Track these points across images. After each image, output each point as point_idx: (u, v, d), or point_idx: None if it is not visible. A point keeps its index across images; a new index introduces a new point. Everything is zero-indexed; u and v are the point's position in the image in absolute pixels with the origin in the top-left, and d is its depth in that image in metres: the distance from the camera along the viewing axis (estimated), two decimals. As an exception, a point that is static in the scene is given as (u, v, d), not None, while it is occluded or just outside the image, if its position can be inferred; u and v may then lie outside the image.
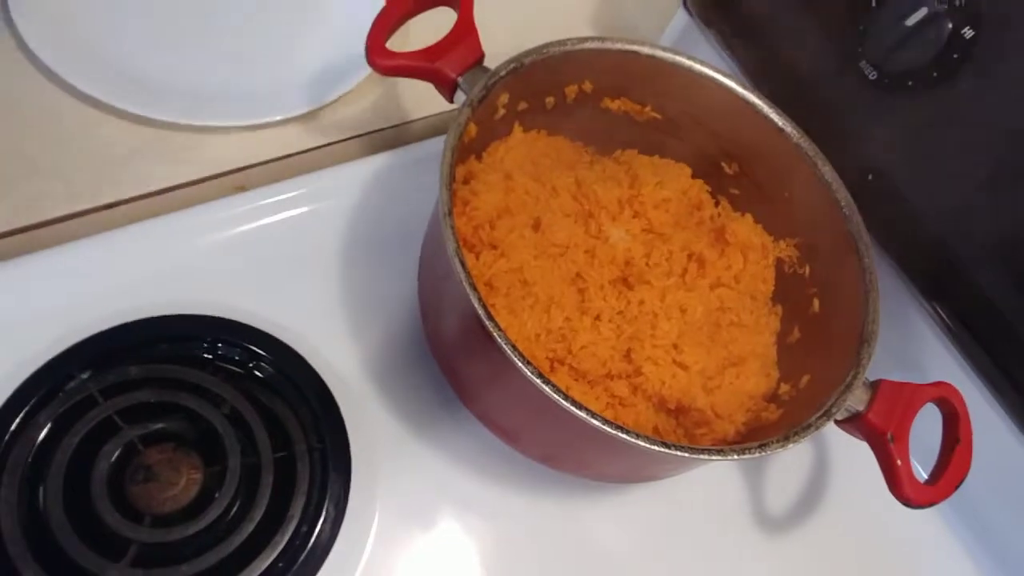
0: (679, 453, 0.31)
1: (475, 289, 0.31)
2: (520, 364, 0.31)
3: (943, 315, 0.43)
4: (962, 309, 0.42)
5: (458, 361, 0.39)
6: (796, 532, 0.45)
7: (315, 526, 0.37)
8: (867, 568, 0.45)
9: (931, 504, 0.35)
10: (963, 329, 0.42)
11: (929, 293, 0.44)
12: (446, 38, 0.39)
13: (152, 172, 0.44)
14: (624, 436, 0.30)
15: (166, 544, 0.35)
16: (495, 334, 0.31)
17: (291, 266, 0.44)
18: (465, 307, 0.32)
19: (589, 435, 0.31)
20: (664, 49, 0.42)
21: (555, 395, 0.30)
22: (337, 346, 0.42)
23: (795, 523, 0.45)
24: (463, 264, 0.32)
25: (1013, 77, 0.36)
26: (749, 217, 0.45)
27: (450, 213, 0.33)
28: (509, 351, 0.31)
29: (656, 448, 0.31)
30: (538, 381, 0.30)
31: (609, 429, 0.30)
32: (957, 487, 0.35)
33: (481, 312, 0.31)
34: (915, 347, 0.45)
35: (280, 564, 0.36)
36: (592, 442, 0.34)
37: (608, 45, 0.41)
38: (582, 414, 0.30)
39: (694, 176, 0.46)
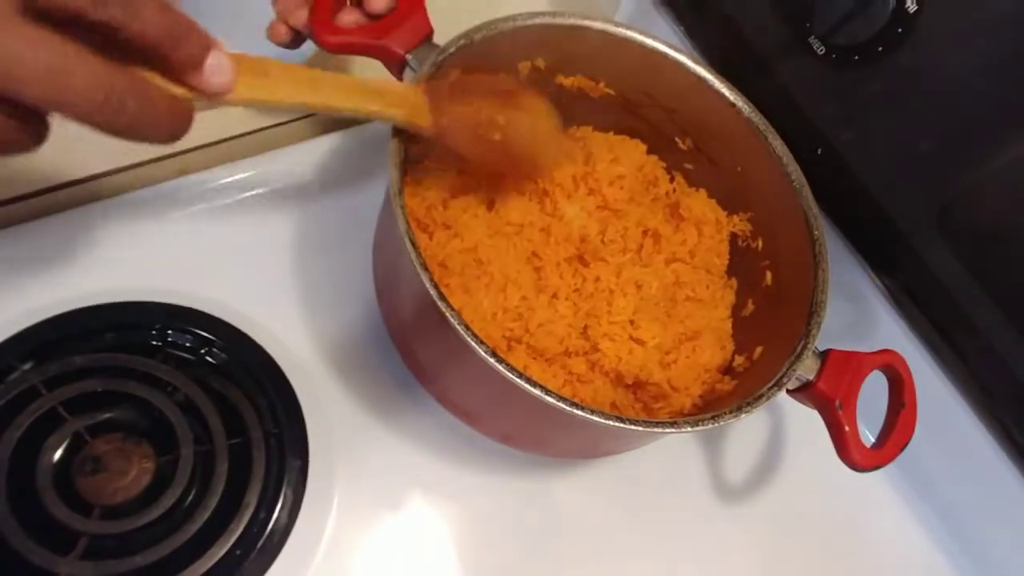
0: (634, 427, 0.32)
1: (426, 269, 0.31)
2: (474, 345, 0.31)
3: (889, 286, 0.44)
4: (907, 280, 0.43)
5: (415, 343, 0.39)
6: (754, 499, 0.46)
7: (272, 512, 0.36)
8: (820, 530, 0.46)
9: (877, 467, 0.36)
10: (908, 299, 0.43)
11: (876, 264, 0.45)
12: (393, 13, 0.38)
13: (91, 156, 0.42)
14: (579, 412, 0.31)
15: (118, 536, 0.34)
16: (448, 315, 0.31)
17: (242, 250, 0.43)
18: (418, 288, 0.31)
19: (545, 413, 0.32)
20: (616, 24, 0.42)
21: (509, 374, 0.30)
22: (292, 330, 0.42)
23: (753, 491, 0.46)
24: (414, 244, 0.31)
25: (955, 51, 0.36)
26: (703, 192, 0.46)
27: (400, 193, 0.32)
28: (462, 332, 0.31)
29: (611, 423, 0.31)
30: (492, 361, 0.30)
31: (564, 406, 0.30)
32: (902, 450, 0.37)
33: (433, 293, 0.31)
34: (863, 317, 0.46)
35: (237, 552, 0.35)
36: (548, 420, 0.35)
37: (559, 20, 0.41)
38: (537, 392, 0.30)
39: (649, 152, 0.46)
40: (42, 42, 0.20)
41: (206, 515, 0.35)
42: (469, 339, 0.30)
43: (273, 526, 0.36)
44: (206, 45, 0.24)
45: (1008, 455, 0.42)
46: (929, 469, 0.46)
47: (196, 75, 0.24)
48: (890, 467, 0.44)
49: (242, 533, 0.35)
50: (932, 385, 0.43)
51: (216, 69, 0.24)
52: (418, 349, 0.38)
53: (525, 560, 0.40)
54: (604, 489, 0.43)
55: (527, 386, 0.30)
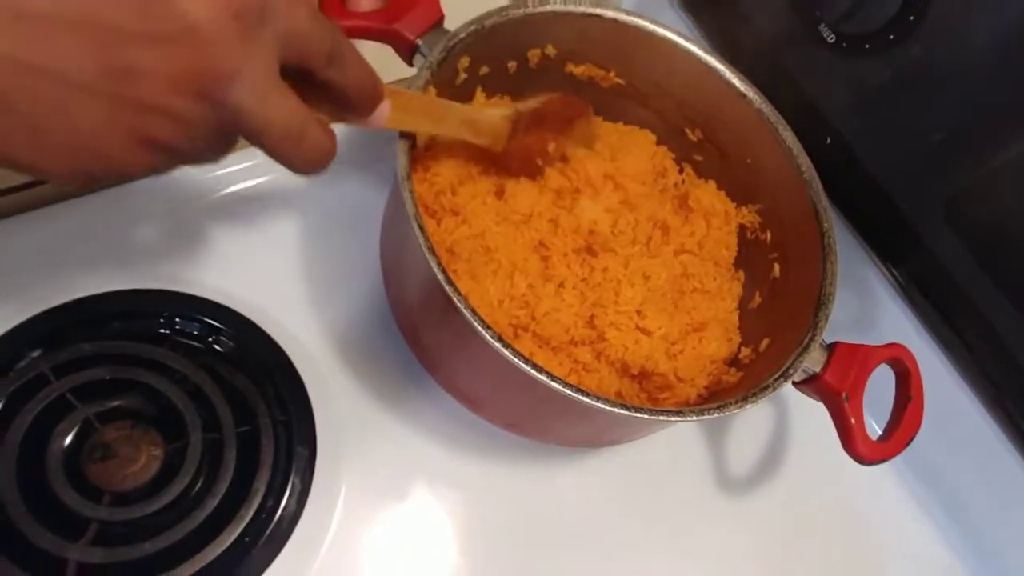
0: (639, 415, 0.32)
1: (434, 254, 0.31)
2: (481, 329, 0.31)
3: (898, 277, 0.44)
4: (916, 271, 0.43)
5: (421, 329, 0.39)
6: (758, 492, 0.46)
7: (281, 500, 0.37)
8: (825, 522, 0.46)
9: (883, 460, 0.36)
10: (916, 291, 0.43)
11: (885, 256, 0.44)
12: (403, -1, 0.38)
13: None
14: (584, 399, 0.31)
15: (127, 522, 0.34)
16: (455, 299, 0.31)
17: (248, 237, 0.43)
18: (425, 272, 0.31)
19: (551, 399, 0.32)
20: (628, 13, 0.42)
21: (515, 359, 0.30)
22: (300, 318, 0.42)
23: (757, 483, 0.46)
24: (422, 228, 0.31)
25: (966, 39, 0.36)
26: (712, 184, 0.45)
27: (409, 177, 0.32)
28: (469, 316, 0.31)
29: (616, 410, 0.31)
30: (498, 345, 0.30)
31: (569, 392, 0.30)
32: (908, 443, 0.37)
33: (440, 277, 0.31)
34: (871, 309, 0.46)
35: (246, 538, 0.35)
36: (554, 407, 0.35)
37: (571, 8, 0.41)
38: (543, 377, 0.30)
39: (658, 143, 0.46)
40: (291, 101, 0.23)
41: (215, 502, 0.35)
42: (476, 324, 0.30)
43: (281, 513, 0.36)
44: (380, 95, 0.27)
45: (1017, 449, 0.42)
46: (936, 462, 0.46)
47: (363, 119, 0.28)
48: (896, 460, 0.44)
49: (251, 520, 0.35)
50: (940, 378, 0.43)
51: (380, 113, 0.28)
52: (424, 334, 0.39)
53: (529, 548, 0.40)
54: (608, 479, 0.43)
55: (532, 371, 0.30)
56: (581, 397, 0.31)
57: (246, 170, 0.45)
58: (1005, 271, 0.38)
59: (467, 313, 0.30)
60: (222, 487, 0.36)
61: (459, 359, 0.37)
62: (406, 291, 0.39)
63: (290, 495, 0.37)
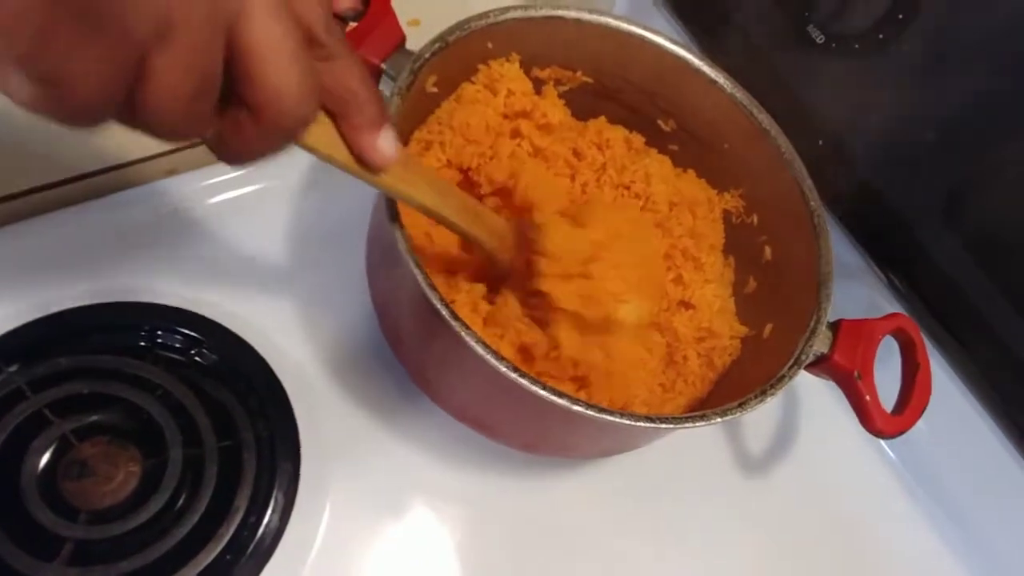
0: (664, 426, 0.31)
1: (434, 288, 0.30)
2: (489, 357, 0.29)
3: (893, 280, 0.44)
4: (913, 275, 0.43)
5: (424, 360, 0.37)
6: (762, 494, 0.45)
7: (263, 516, 0.35)
8: (828, 528, 0.45)
9: (901, 433, 0.36)
10: (914, 294, 0.43)
11: (881, 260, 0.44)
12: (362, 23, 0.36)
13: (80, 155, 0.40)
14: (609, 417, 0.30)
15: (104, 541, 0.33)
16: (463, 334, 0.29)
17: (234, 250, 0.42)
18: (419, 302, 0.30)
19: (570, 419, 0.31)
20: (590, 11, 0.41)
21: (531, 385, 0.29)
22: (284, 330, 0.40)
23: (763, 474, 0.45)
24: (418, 264, 0.30)
25: (956, 38, 0.35)
26: (691, 173, 0.45)
27: (396, 220, 0.31)
28: (473, 343, 0.29)
29: (643, 424, 0.30)
30: (504, 369, 0.29)
31: (592, 412, 0.30)
32: (923, 411, 0.37)
33: (445, 312, 0.29)
34: (867, 314, 0.45)
35: (227, 557, 0.34)
36: (574, 425, 0.34)
37: (532, 13, 0.40)
38: (563, 401, 0.29)
39: (632, 137, 0.45)
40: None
41: (195, 519, 0.34)
42: (483, 351, 0.29)
43: (263, 530, 0.35)
44: (385, 119, 0.25)
45: (1019, 452, 0.41)
46: (935, 464, 0.46)
47: (368, 138, 0.25)
48: (895, 461, 0.43)
49: (231, 537, 0.34)
50: (939, 381, 0.41)
51: (385, 142, 0.25)
52: (429, 369, 0.37)
53: (531, 564, 0.39)
54: (614, 485, 0.42)
55: (552, 396, 0.29)
56: (606, 416, 0.30)
57: (227, 182, 0.43)
58: (1006, 273, 0.37)
59: (471, 341, 0.29)
60: (202, 504, 0.34)
61: (469, 388, 0.36)
62: (403, 325, 0.38)
63: (272, 511, 0.35)
